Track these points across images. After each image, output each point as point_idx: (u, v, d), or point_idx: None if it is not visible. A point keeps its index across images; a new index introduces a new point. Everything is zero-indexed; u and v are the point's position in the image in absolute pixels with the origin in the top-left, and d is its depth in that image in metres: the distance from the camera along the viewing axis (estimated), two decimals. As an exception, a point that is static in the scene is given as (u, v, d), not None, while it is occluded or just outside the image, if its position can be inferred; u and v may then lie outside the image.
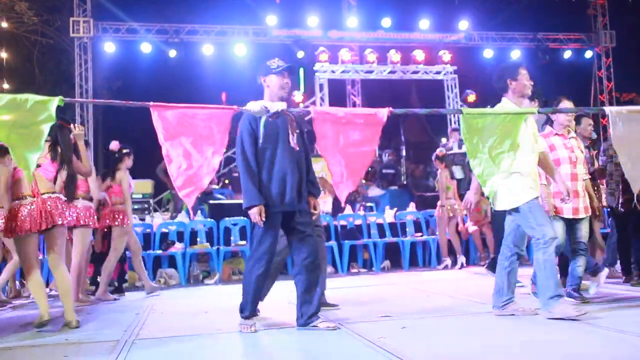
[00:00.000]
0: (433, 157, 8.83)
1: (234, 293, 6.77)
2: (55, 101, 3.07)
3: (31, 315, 5.54)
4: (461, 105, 14.49)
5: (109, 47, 12.52)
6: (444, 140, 12.07)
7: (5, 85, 13.85)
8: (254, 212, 3.74)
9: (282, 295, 5.49)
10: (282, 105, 3.67)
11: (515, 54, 14.52)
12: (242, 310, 4.06)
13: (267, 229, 3.84)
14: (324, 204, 9.43)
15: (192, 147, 3.24)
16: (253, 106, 3.55)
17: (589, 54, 14.92)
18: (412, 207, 9.93)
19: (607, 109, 3.50)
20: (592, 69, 15.00)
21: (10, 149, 3.09)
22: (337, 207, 9.36)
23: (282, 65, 3.96)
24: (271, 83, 3.90)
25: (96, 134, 12.64)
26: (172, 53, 12.78)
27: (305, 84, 15.43)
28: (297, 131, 3.83)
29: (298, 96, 13.82)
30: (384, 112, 3.34)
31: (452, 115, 14.43)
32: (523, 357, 2.95)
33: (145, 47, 12.68)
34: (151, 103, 3.23)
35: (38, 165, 4.76)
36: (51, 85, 14.37)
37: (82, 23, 12.06)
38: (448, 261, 8.49)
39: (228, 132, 3.42)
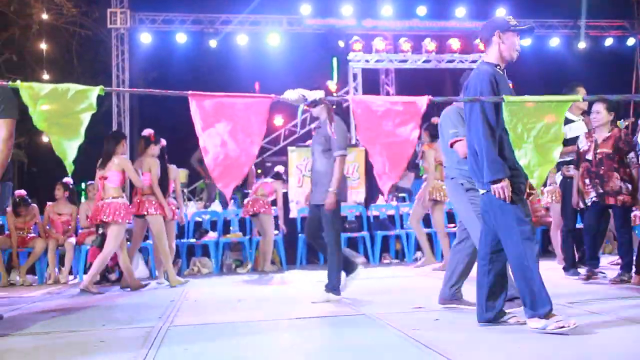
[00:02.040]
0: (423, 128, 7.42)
1: (267, 281, 6.87)
2: (96, 91, 3.11)
3: (68, 302, 5.70)
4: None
5: (145, 38, 12.67)
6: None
7: (45, 76, 14.15)
8: (501, 186, 3.30)
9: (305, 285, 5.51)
10: (320, 94, 3.62)
11: (554, 42, 14.16)
12: (534, 307, 3.28)
13: (520, 206, 3.39)
14: (357, 193, 9.41)
15: (230, 137, 3.24)
16: (291, 94, 3.53)
17: (631, 41, 14.44)
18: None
19: None
20: (634, 57, 14.53)
21: (51, 138, 3.13)
22: (369, 197, 9.33)
23: (523, 25, 3.65)
24: (507, 41, 3.56)
25: (132, 124, 12.81)
26: (207, 43, 12.87)
27: (339, 73, 15.36)
28: None
29: (332, 86, 13.75)
30: (423, 101, 3.29)
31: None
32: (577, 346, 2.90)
33: (181, 38, 12.79)
34: (189, 92, 3.25)
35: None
36: (89, 76, 14.63)
37: (119, 14, 12.23)
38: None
39: (266, 122, 3.40)
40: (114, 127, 12.05)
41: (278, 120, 15.16)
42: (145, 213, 6.42)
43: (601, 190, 5.40)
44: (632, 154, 5.47)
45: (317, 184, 5.00)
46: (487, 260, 3.55)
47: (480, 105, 3.37)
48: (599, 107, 5.45)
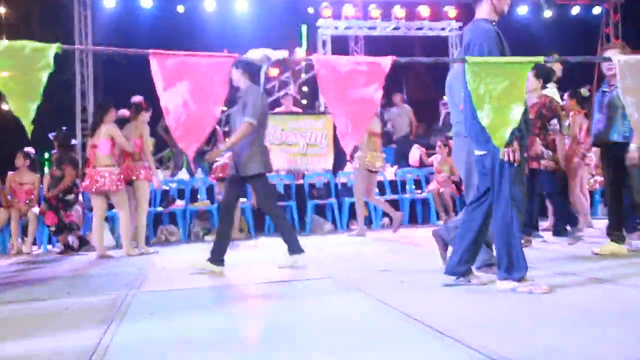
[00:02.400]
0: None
1: (235, 248, 6.87)
2: (53, 48, 3.03)
3: (32, 273, 5.62)
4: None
5: (109, 2, 12.30)
6: (446, 97, 11.93)
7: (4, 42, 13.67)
8: (512, 149, 3.29)
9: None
10: (284, 53, 3.56)
11: (523, 10, 14.23)
12: (509, 271, 3.34)
13: (520, 170, 3.42)
14: (325, 161, 9.41)
15: (191, 96, 3.19)
16: (254, 54, 3.48)
17: (597, 9, 14.60)
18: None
19: (615, 58, 3.42)
20: (600, 26, 14.71)
21: (8, 97, 3.05)
22: (337, 164, 9.36)
23: None
24: None
25: (96, 91, 12.50)
26: (174, 9, 12.57)
27: (308, 40, 15.20)
28: None
29: (300, 52, 13.60)
30: (387, 61, 3.27)
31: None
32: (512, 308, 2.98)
33: (146, 3, 12.46)
34: (151, 51, 3.18)
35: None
36: (50, 42, 14.19)
37: (81, -23, 11.83)
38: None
39: (228, 83, 3.35)
40: (77, 95, 11.77)
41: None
42: (134, 178, 6.51)
43: (525, 155, 5.52)
44: (554, 121, 5.60)
45: (239, 156, 4.87)
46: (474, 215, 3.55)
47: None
48: (529, 74, 5.54)
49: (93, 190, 6.21)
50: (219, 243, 4.80)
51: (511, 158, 3.29)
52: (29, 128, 2.99)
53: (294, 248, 4.88)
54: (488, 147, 3.38)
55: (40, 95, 3.04)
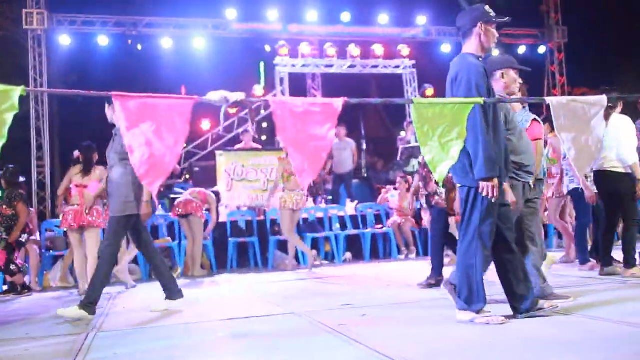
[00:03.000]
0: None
1: (197, 285, 6.83)
2: (18, 90, 3.05)
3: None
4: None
5: (64, 40, 12.25)
6: (402, 133, 12.24)
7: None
8: (491, 185, 3.37)
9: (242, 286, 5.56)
10: (241, 95, 3.65)
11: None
12: (468, 302, 3.46)
13: (494, 205, 3.46)
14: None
15: (154, 136, 3.24)
16: (213, 96, 3.56)
17: (542, 49, 15.35)
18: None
19: (549, 99, 3.65)
20: (545, 64, 15.44)
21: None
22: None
23: (501, 17, 3.66)
24: (488, 32, 3.61)
25: (52, 128, 12.35)
26: (130, 46, 12.61)
27: (266, 77, 15.43)
28: None
29: (259, 90, 13.79)
30: (339, 102, 3.43)
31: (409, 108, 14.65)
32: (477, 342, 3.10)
33: (102, 40, 12.44)
34: (113, 93, 3.24)
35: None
36: (4, 78, 13.78)
37: (35, 15, 11.73)
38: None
39: (189, 122, 3.42)
40: (32, 132, 11.59)
41: (205, 125, 15.02)
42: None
43: (426, 192, 5.78)
44: None
45: (112, 195, 4.82)
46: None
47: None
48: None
49: (84, 225, 6.21)
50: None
51: (489, 193, 3.39)
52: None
53: (89, 301, 4.57)
54: (466, 181, 3.52)
55: (5, 136, 3.05)
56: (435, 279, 5.26)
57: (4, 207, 6.98)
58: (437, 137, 3.36)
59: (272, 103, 3.52)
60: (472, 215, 3.49)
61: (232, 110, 13.65)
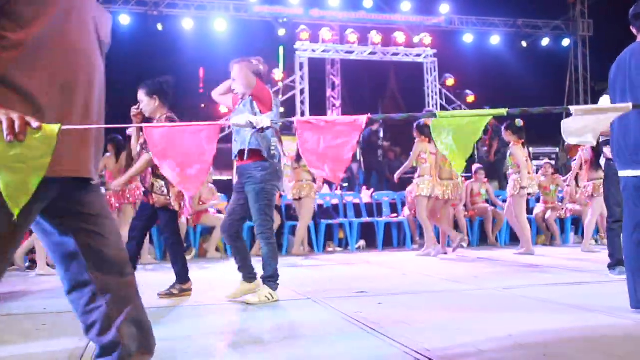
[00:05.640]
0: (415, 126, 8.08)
1: (211, 268, 6.85)
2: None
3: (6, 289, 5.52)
4: (440, 89, 14.63)
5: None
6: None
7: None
8: None
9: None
10: (267, 122, 3.61)
11: (495, 40, 14.64)
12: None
13: None
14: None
15: (183, 156, 3.23)
16: (239, 120, 3.53)
17: (566, 42, 15.10)
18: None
19: (573, 109, 3.56)
20: (569, 57, 15.21)
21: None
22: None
23: None
24: None
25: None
26: (152, 26, 12.59)
27: (285, 62, 15.34)
28: None
29: (278, 74, 13.73)
30: (362, 119, 3.38)
31: (431, 98, 14.54)
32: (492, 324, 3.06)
33: (124, 19, 12.46)
34: (144, 125, 3.21)
35: None
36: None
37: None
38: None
39: (216, 143, 3.38)
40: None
41: (222, 108, 14.96)
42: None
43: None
44: None
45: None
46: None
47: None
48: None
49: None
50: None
51: None
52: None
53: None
54: None
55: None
56: None
57: None
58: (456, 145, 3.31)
59: (297, 123, 3.49)
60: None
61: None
